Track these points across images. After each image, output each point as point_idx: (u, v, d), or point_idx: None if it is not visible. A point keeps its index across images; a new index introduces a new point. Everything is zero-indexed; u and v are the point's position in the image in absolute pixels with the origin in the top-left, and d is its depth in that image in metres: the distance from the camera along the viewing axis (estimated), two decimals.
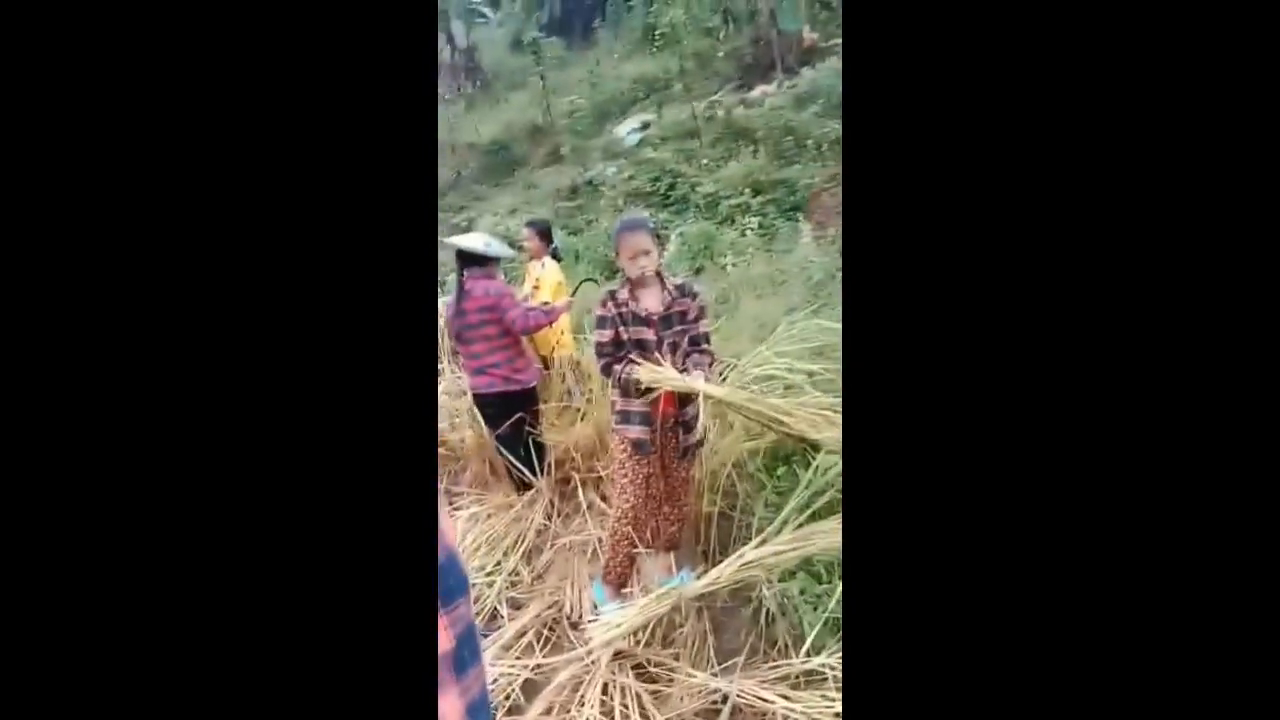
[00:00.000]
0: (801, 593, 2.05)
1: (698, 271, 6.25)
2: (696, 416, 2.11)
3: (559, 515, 2.99)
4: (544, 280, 3.73)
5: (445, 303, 3.12)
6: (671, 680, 1.97)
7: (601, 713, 1.88)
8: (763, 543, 1.97)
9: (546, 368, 3.62)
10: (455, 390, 3.75)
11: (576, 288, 3.80)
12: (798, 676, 1.85)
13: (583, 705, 1.90)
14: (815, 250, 5.79)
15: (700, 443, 2.35)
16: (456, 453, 3.39)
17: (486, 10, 17.35)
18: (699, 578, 2.04)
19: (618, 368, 2.16)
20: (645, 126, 10.70)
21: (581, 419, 3.36)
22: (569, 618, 2.41)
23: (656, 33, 10.15)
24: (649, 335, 2.18)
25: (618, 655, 2.03)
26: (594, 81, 12.39)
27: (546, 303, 3.52)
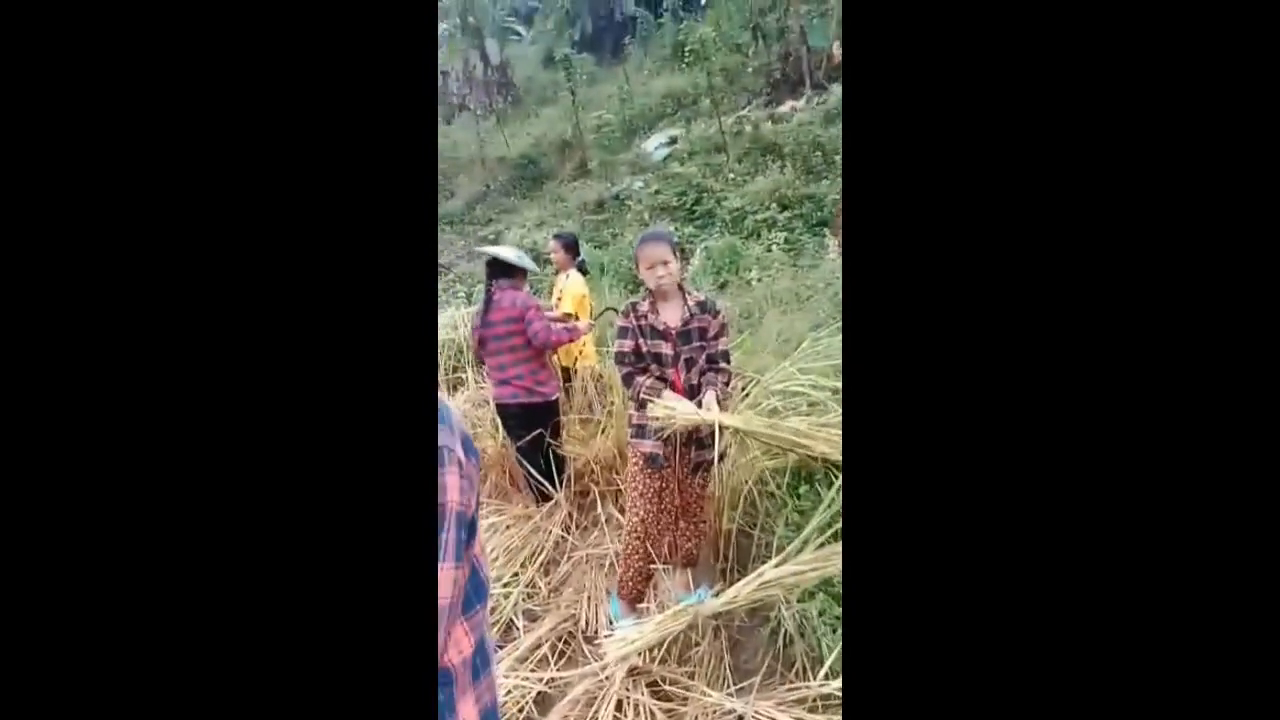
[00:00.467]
0: (820, 614, 2.01)
1: (722, 286, 6.24)
2: (712, 434, 2.09)
3: (577, 528, 2.98)
4: (567, 292, 3.75)
5: (472, 313, 3.15)
6: (686, 699, 1.94)
7: None
8: (782, 562, 1.94)
9: (568, 379, 3.63)
10: (478, 399, 3.77)
11: (600, 314, 3.80)
12: (815, 700, 1.81)
13: None
14: (841, 266, 5.75)
15: (721, 458, 2.33)
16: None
17: (519, 27, 17.67)
18: (717, 595, 2.01)
19: (640, 379, 2.16)
20: (673, 141, 10.77)
21: (602, 432, 3.36)
22: (584, 632, 2.39)
23: (686, 49, 10.23)
24: (667, 349, 2.18)
25: (633, 671, 2.01)
26: (623, 97, 12.52)
27: (569, 314, 3.54)
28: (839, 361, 2.80)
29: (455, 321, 4.71)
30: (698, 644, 2.14)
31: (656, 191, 9.14)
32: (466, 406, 3.71)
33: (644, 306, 2.22)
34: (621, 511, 2.93)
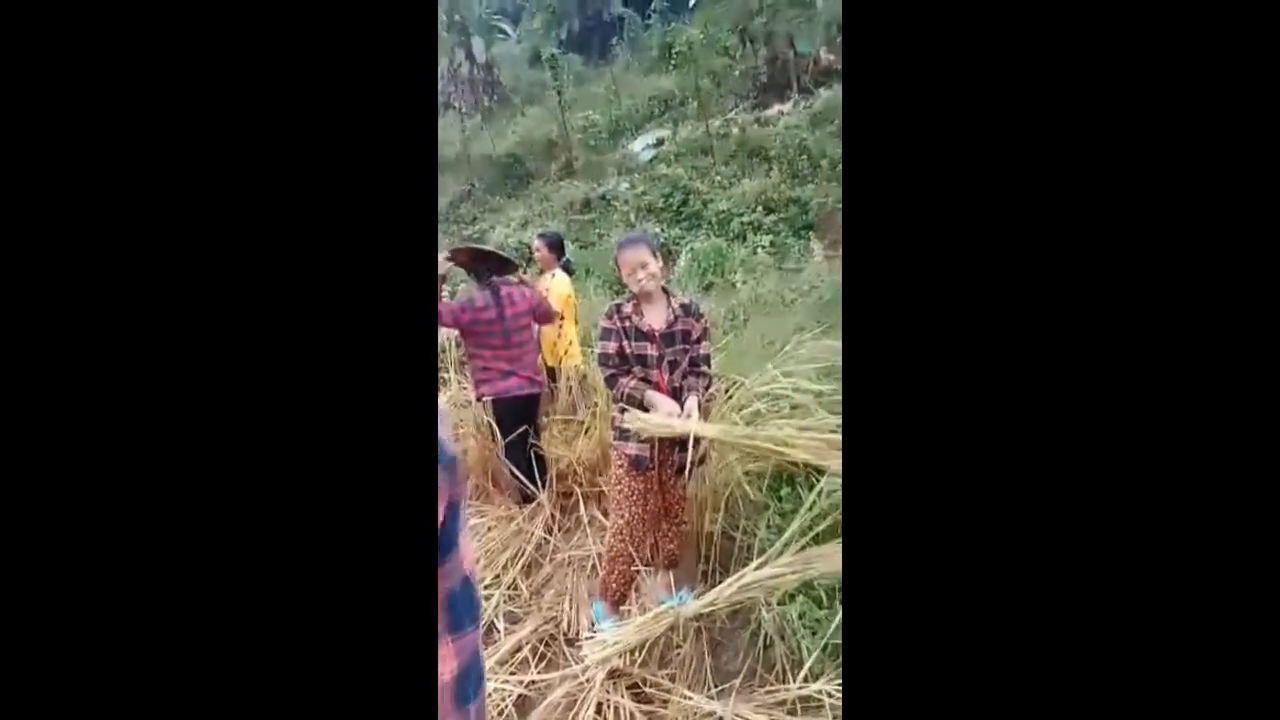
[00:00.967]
0: (800, 617, 2.02)
1: (708, 288, 6.25)
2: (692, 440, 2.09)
3: (559, 530, 2.97)
4: (553, 291, 3.75)
5: (450, 308, 3.12)
6: (667, 702, 1.94)
7: None
8: (763, 565, 1.95)
9: (553, 379, 3.62)
10: (460, 401, 3.75)
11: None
12: (794, 702, 1.81)
13: None
14: (826, 269, 5.79)
15: (702, 460, 2.33)
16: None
17: (506, 26, 17.61)
18: (698, 597, 2.01)
19: (623, 380, 2.16)
20: (659, 143, 10.78)
21: (585, 433, 3.35)
22: (566, 634, 2.39)
23: (674, 51, 10.24)
24: (650, 351, 2.18)
25: (613, 674, 2.00)
26: (610, 98, 12.52)
27: (555, 314, 3.55)
28: (823, 364, 2.81)
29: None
30: (679, 646, 2.14)
31: (643, 192, 9.14)
32: (449, 408, 3.68)
33: (628, 308, 2.21)
34: (604, 514, 2.93)
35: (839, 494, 2.17)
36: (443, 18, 13.98)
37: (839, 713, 1.74)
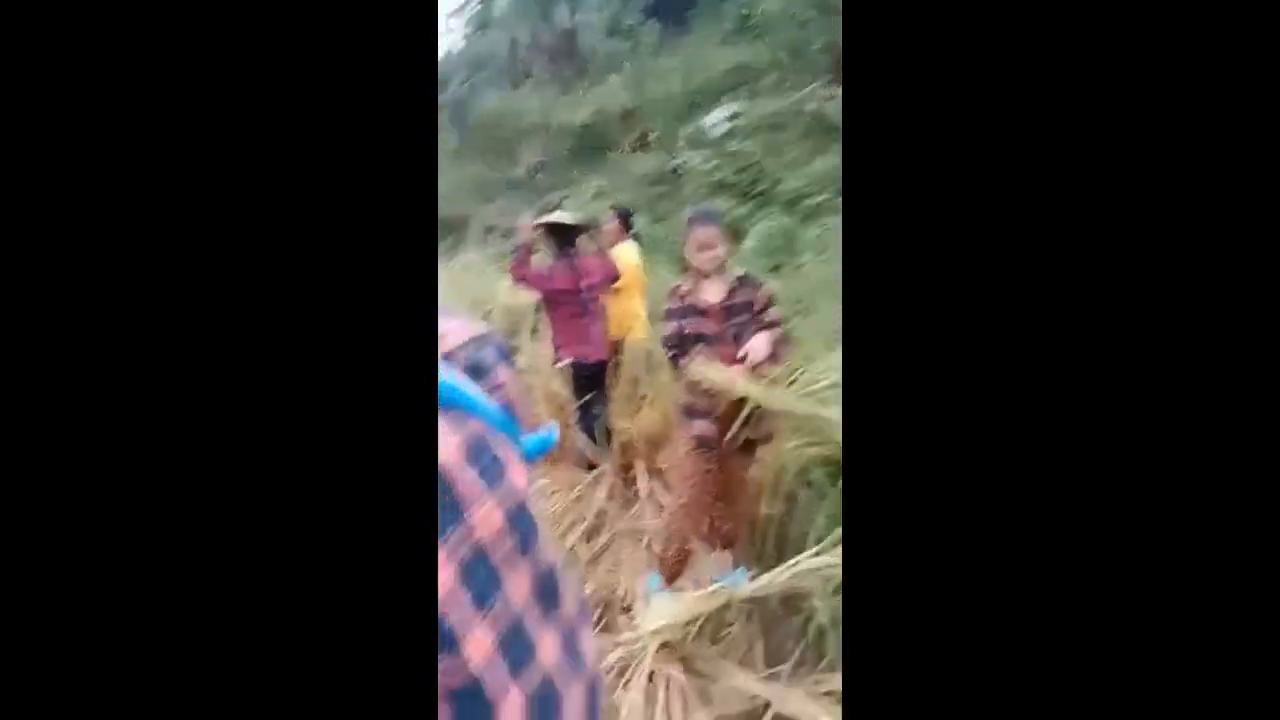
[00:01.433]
0: None
1: (775, 268, 6.15)
2: (753, 411, 2.09)
3: (619, 500, 3.04)
4: (621, 259, 3.77)
5: (534, 273, 3.23)
6: (716, 679, 1.98)
7: (645, 699, 1.91)
8: (819, 553, 1.95)
9: (618, 351, 3.67)
10: (529, 367, 3.84)
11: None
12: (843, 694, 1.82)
13: (626, 689, 1.93)
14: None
15: (766, 438, 2.33)
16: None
17: None
18: (753, 579, 2.03)
19: (684, 360, 2.18)
20: (734, 117, 10.56)
21: (649, 406, 3.39)
22: (621, 602, 2.45)
23: (751, 22, 9.96)
24: (710, 328, 2.18)
25: (664, 646, 2.05)
26: (686, 69, 12.30)
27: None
28: None
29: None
30: (731, 625, 2.17)
31: (715, 167, 9.00)
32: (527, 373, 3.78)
33: (686, 287, 2.22)
34: (665, 488, 2.97)
35: None
36: None
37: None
